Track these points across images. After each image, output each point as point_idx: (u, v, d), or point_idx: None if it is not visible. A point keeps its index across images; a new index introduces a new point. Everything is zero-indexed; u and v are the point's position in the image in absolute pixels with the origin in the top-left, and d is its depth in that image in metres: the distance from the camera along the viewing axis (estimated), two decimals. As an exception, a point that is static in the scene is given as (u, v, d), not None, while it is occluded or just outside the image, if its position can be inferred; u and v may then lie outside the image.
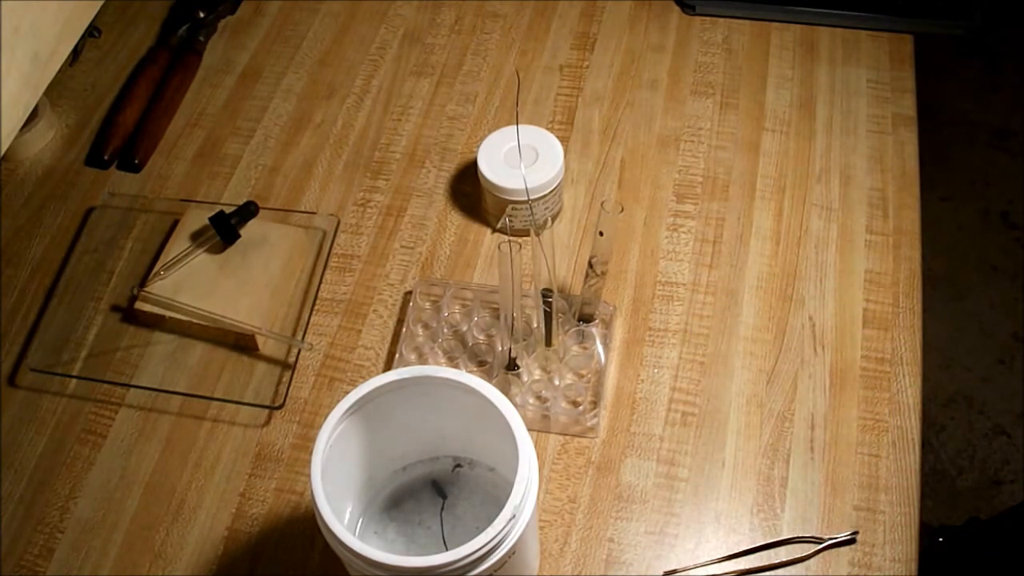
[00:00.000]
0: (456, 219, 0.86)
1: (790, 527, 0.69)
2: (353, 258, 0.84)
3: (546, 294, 0.72)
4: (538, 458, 0.65)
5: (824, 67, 0.95)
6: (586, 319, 0.77)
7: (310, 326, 0.80)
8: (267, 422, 0.75)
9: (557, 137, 0.82)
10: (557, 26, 1.00)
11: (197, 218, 0.84)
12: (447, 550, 0.50)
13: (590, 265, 0.73)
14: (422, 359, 0.76)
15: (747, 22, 0.99)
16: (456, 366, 0.76)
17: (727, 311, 0.79)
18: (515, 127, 0.82)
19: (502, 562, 0.53)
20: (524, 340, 0.75)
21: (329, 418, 0.55)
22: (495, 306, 0.79)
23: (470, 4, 1.03)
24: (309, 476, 0.53)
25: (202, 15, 1.00)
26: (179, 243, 0.82)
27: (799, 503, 0.70)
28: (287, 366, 0.78)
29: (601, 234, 0.70)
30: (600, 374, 0.75)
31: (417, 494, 0.67)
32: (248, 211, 0.83)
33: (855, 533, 0.68)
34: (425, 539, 0.66)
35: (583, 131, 0.92)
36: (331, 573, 0.68)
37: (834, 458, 0.71)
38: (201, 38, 0.99)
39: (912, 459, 0.71)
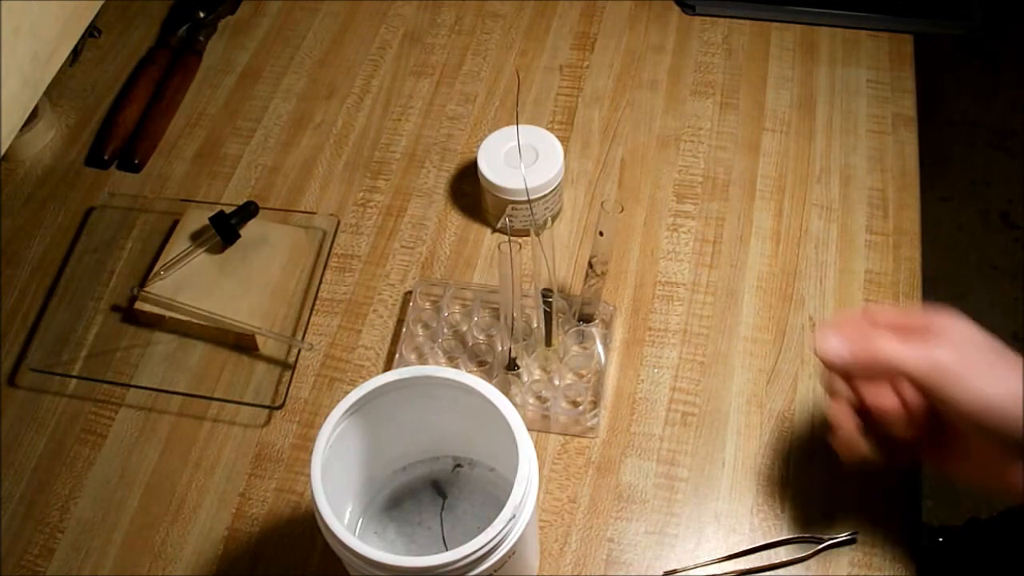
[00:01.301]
0: (456, 219, 0.86)
1: (790, 527, 0.69)
2: (353, 258, 0.84)
3: (546, 294, 0.72)
4: (538, 458, 0.65)
5: (824, 67, 0.95)
6: (586, 319, 0.77)
7: (310, 326, 0.80)
8: (267, 422, 0.75)
9: (557, 137, 0.82)
10: (557, 26, 1.00)
11: (197, 218, 0.84)
12: (447, 550, 0.50)
13: (590, 265, 0.73)
14: (422, 359, 0.76)
15: (747, 22, 0.99)
16: (456, 366, 0.76)
17: (727, 311, 0.79)
18: (515, 127, 0.82)
19: (502, 562, 0.53)
20: (524, 340, 0.75)
21: (329, 418, 0.55)
22: (495, 306, 0.79)
23: (470, 4, 1.03)
24: (309, 476, 0.53)
25: (202, 15, 1.00)
26: (179, 243, 0.82)
27: (799, 503, 0.69)
28: (287, 366, 0.78)
29: (601, 234, 0.70)
30: (600, 374, 0.75)
31: (417, 494, 0.67)
32: (248, 211, 0.83)
33: (855, 533, 0.68)
34: (425, 539, 0.66)
35: (583, 131, 0.92)
36: (331, 573, 0.68)
37: (834, 457, 0.71)
38: (201, 38, 0.99)
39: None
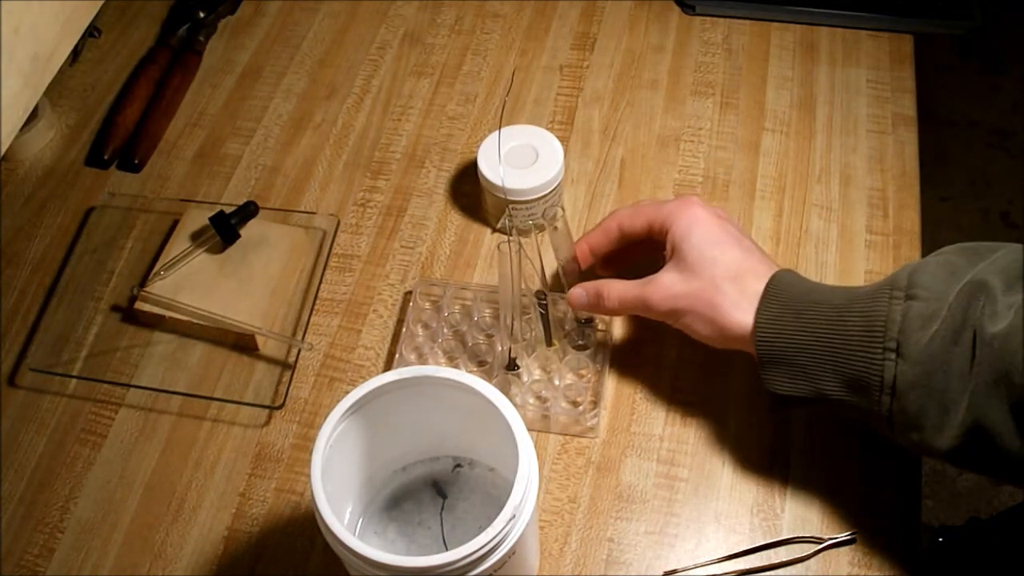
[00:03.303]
0: (456, 219, 0.86)
1: (790, 527, 0.69)
2: (353, 258, 0.84)
3: (540, 296, 0.72)
4: (538, 458, 0.65)
5: (824, 67, 0.95)
6: (585, 319, 0.77)
7: (310, 326, 0.80)
8: (267, 422, 0.75)
9: (557, 137, 0.82)
10: (557, 26, 1.00)
11: (197, 218, 0.84)
12: (447, 550, 0.50)
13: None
14: (422, 359, 0.76)
15: (747, 22, 0.99)
16: (456, 366, 0.76)
17: (727, 311, 0.79)
18: (515, 127, 0.82)
19: (502, 562, 0.53)
20: (524, 340, 0.75)
21: (329, 418, 0.55)
22: (495, 306, 0.79)
23: (470, 4, 1.03)
24: (309, 476, 0.53)
25: (202, 15, 1.00)
26: (179, 243, 0.82)
27: (799, 503, 0.70)
28: (287, 366, 0.78)
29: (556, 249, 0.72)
30: (600, 374, 0.75)
31: (417, 494, 0.67)
32: (248, 211, 0.83)
33: (855, 533, 0.68)
34: (425, 539, 0.66)
35: (583, 131, 0.92)
36: (331, 573, 0.68)
37: (834, 457, 0.71)
38: (201, 38, 0.99)
39: (912, 459, 0.71)
